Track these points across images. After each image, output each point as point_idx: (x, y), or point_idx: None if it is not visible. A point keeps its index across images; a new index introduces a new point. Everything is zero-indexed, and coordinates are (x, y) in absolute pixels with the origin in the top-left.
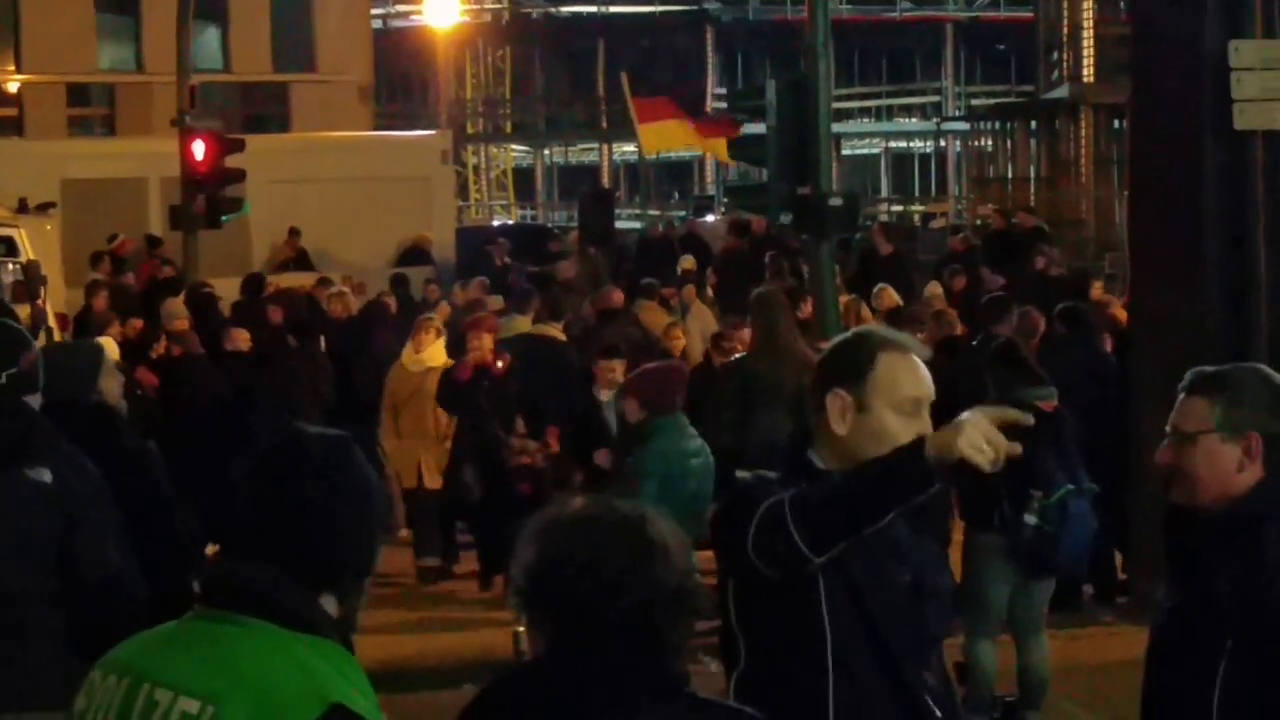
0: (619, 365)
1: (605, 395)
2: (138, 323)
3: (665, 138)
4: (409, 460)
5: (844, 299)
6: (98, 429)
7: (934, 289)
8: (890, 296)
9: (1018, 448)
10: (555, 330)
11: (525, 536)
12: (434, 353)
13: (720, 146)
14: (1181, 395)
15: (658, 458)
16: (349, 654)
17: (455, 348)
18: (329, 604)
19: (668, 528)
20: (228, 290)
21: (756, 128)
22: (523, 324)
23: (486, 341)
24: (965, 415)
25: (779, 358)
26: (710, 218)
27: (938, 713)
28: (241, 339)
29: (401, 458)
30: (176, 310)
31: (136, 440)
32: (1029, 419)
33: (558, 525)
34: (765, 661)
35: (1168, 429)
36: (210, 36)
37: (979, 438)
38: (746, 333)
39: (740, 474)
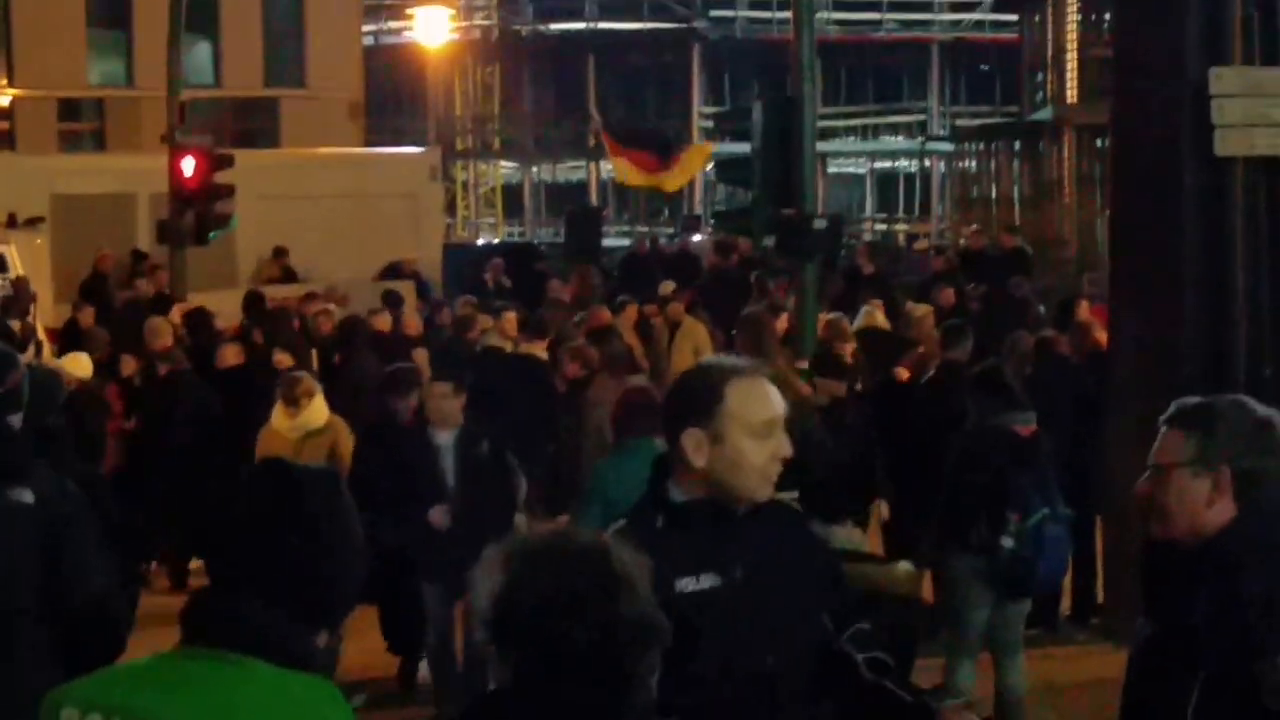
0: (450, 392)
1: (443, 435)
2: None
3: (637, 176)
4: None
5: (825, 317)
6: (48, 455)
7: (921, 309)
8: (875, 317)
9: None
10: (538, 349)
11: (489, 565)
12: (313, 414)
13: (695, 159)
14: (1163, 428)
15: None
16: (335, 688)
17: (444, 360)
18: (321, 638)
19: (630, 558)
20: (212, 305)
21: (742, 148)
22: (498, 340)
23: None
24: None
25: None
26: (697, 236)
27: None
28: (233, 355)
29: None
30: (161, 328)
31: (85, 466)
32: None
33: (522, 554)
34: None
35: (1148, 461)
36: (202, 51)
37: None
38: None
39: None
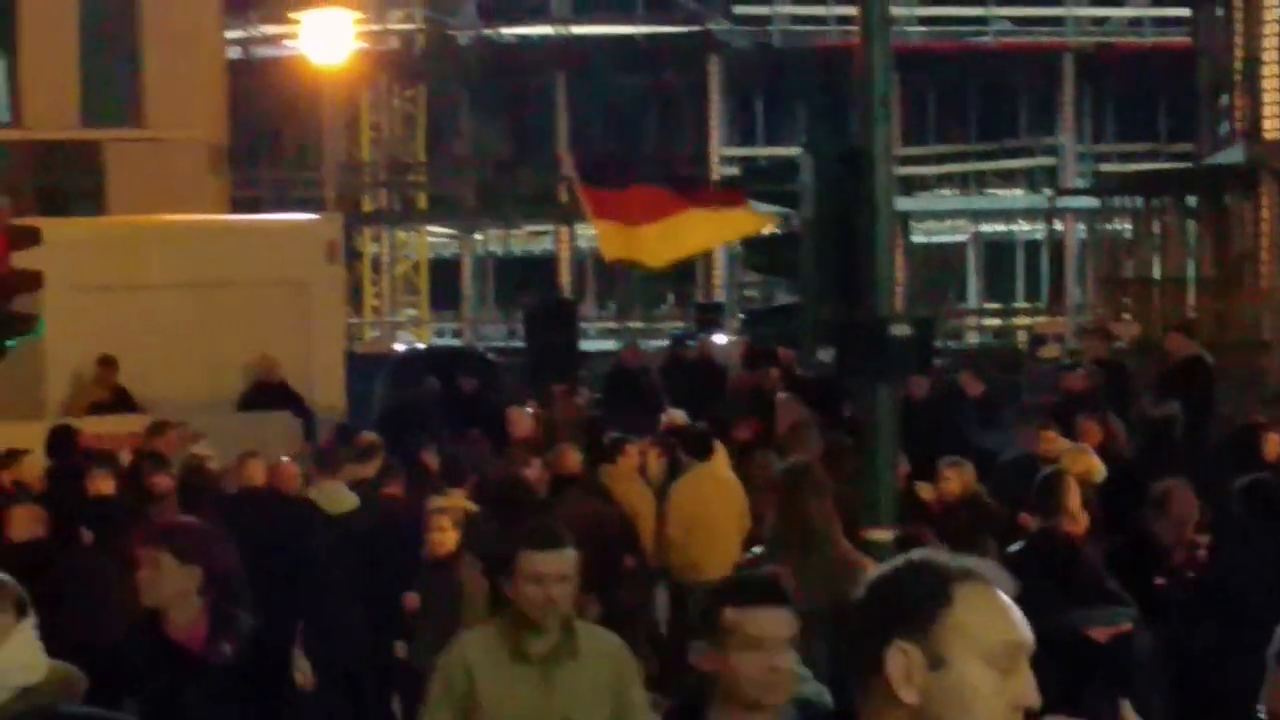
0: None
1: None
2: None
3: (630, 245)
4: None
5: (949, 468)
6: None
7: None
8: (1086, 462)
9: None
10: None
11: None
12: None
13: (737, 222)
14: None
15: None
16: None
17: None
18: None
19: None
20: (11, 441)
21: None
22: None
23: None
24: None
25: (814, 563)
26: (721, 337)
27: None
28: (23, 522)
29: None
30: None
31: None
32: None
33: None
34: None
35: None
36: None
37: None
38: None
39: None
